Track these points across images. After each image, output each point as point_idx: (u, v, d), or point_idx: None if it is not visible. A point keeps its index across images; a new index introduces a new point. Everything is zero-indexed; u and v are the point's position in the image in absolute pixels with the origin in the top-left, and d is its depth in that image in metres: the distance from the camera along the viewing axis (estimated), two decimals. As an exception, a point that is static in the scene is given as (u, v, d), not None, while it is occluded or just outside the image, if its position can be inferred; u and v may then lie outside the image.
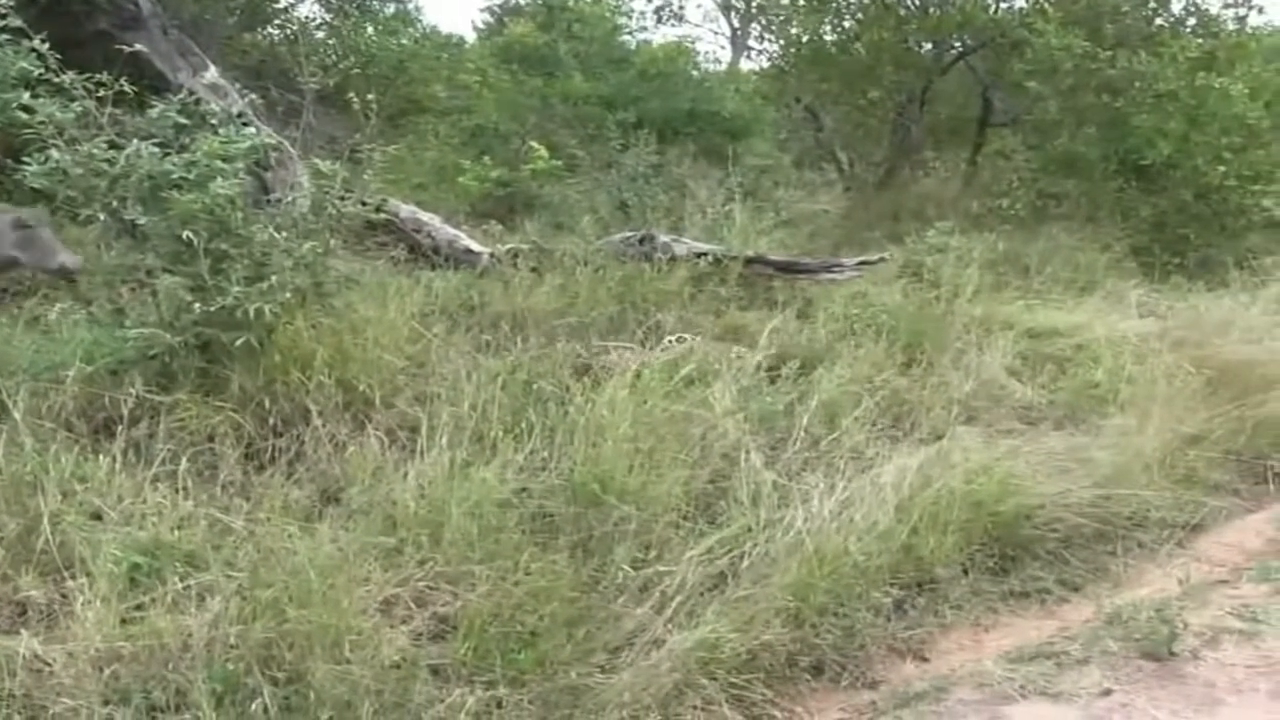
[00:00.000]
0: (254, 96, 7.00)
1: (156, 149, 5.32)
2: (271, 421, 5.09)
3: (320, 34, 13.01)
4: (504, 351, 6.19)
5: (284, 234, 5.52)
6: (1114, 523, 5.61)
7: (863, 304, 7.92)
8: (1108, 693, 4.09)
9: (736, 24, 22.73)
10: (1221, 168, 11.39)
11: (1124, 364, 7.31)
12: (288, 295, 5.27)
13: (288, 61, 8.89)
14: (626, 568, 4.47)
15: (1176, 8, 13.19)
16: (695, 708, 3.99)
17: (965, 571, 5.15)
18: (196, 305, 5.00)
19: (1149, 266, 10.54)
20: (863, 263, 8.56)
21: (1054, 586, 5.20)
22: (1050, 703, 4.06)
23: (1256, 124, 11.75)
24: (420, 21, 15.18)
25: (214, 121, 5.94)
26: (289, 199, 6.27)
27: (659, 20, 18.47)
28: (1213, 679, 4.19)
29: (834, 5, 14.56)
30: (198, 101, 6.16)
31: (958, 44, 14.05)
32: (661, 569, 4.47)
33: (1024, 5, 13.39)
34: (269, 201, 6.32)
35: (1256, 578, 5.18)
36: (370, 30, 13.11)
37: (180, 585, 3.92)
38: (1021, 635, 4.77)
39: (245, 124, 6.23)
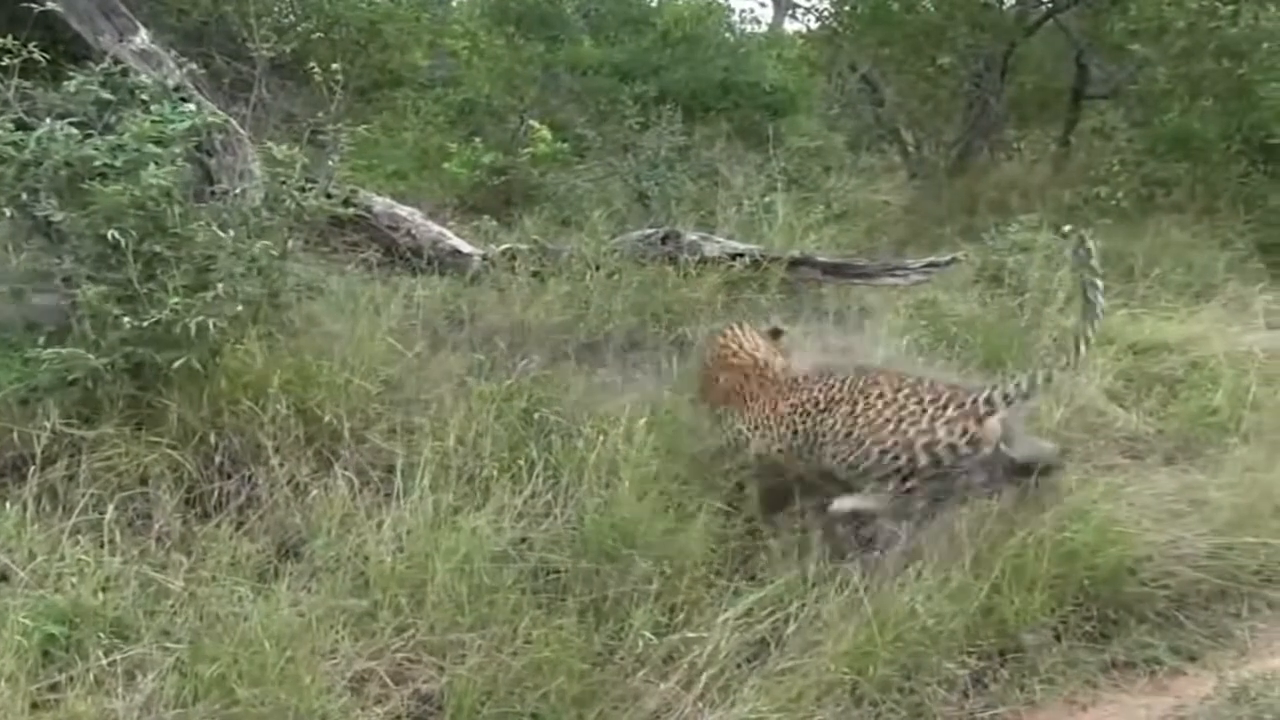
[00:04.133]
0: (194, 66, 6.98)
1: (75, 130, 5.30)
2: (218, 460, 5.11)
3: (274, -11, 13.04)
4: (499, 373, 6.18)
5: (231, 233, 5.52)
6: (1238, 578, 5.54)
7: (931, 314, 7.90)
8: (1234, 786, 4.06)
9: (779, -23, 22.78)
10: (1368, 147, 11.31)
11: (1249, 385, 7.26)
12: (237, 307, 5.27)
13: (235, 24, 8.90)
14: (648, 634, 4.46)
15: (1311, -48, 13.11)
16: (732, 804, 3.98)
17: (1057, 637, 5.10)
18: (125, 320, 4.96)
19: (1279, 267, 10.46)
20: (931, 265, 8.51)
21: (1166, 655, 5.13)
22: (1164, 799, 4.03)
23: None
24: (396, -25, 15.22)
25: (145, 96, 5.92)
26: (238, 190, 6.28)
27: (685, -28, 18.53)
28: (1363, 768, 4.15)
29: (897, -48, 14.55)
30: (125, 72, 6.15)
31: (1046, -1, 14.06)
32: (690, 636, 4.46)
33: (1126, -49, 13.33)
34: (213, 193, 6.32)
35: None
36: (335, -16, 13.12)
37: (105, 660, 3.93)
38: (1128, 714, 4.73)
39: (183, 99, 6.21)
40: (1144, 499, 5.87)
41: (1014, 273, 8.88)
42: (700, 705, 4.17)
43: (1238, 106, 11.90)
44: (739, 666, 4.37)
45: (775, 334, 5.93)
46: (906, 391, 5.07)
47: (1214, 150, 12.04)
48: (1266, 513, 5.82)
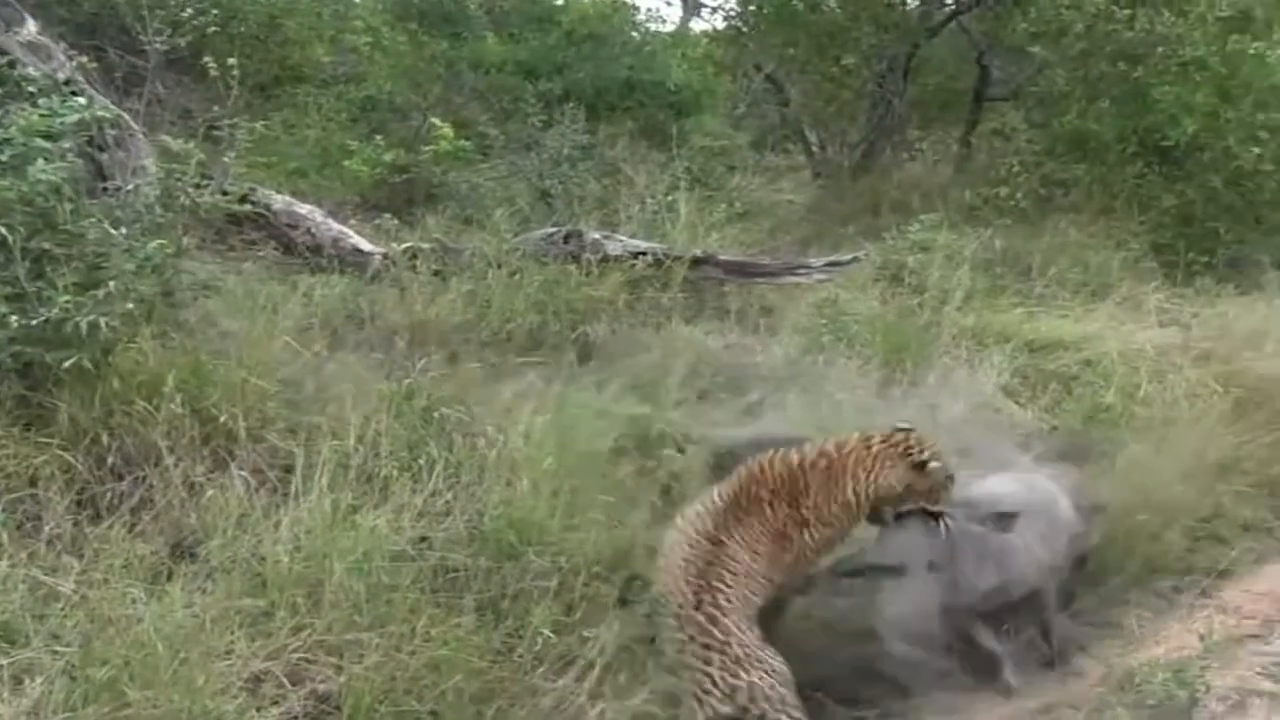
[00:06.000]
0: (84, 59, 6.91)
1: (-42, 124, 5.23)
2: (110, 461, 5.04)
3: (169, -20, 12.84)
4: (399, 373, 6.17)
5: (124, 230, 5.46)
6: (1126, 569, 5.68)
7: (832, 312, 7.98)
8: (1118, 770, 4.17)
9: (685, -24, 22.81)
10: (1256, 149, 11.50)
11: (1140, 382, 7.46)
12: (129, 306, 5.19)
13: (127, 16, 8.76)
14: (546, 632, 4.50)
15: (1205, -41, 13.36)
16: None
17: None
18: (14, 319, 4.88)
19: (1171, 266, 10.69)
20: (833, 263, 8.63)
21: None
22: (1052, 784, 4.13)
23: (1298, 97, 11.90)
24: (297, -31, 15.02)
25: (33, 89, 5.85)
26: (130, 186, 6.21)
27: (590, -30, 18.50)
28: (1239, 751, 4.28)
29: (803, -47, 14.62)
30: (12, 64, 6.09)
31: (949, 0, 14.20)
32: (586, 634, 4.50)
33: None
34: (105, 190, 6.25)
35: (1290, 631, 5.30)
36: (233, -23, 12.94)
37: (-9, 665, 3.87)
38: (1018, 703, 4.83)
39: (74, 93, 6.15)
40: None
41: (914, 272, 9.02)
42: (593, 699, 4.22)
43: (1133, 109, 12.11)
44: (633, 660, 4.42)
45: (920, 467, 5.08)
46: None
47: (1110, 151, 12.25)
48: (1154, 506, 5.99)
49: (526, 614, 4.60)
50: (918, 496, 5.07)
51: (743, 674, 4.34)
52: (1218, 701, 4.54)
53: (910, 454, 5.00)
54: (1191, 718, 4.42)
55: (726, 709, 4.27)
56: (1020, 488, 5.50)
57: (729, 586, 4.56)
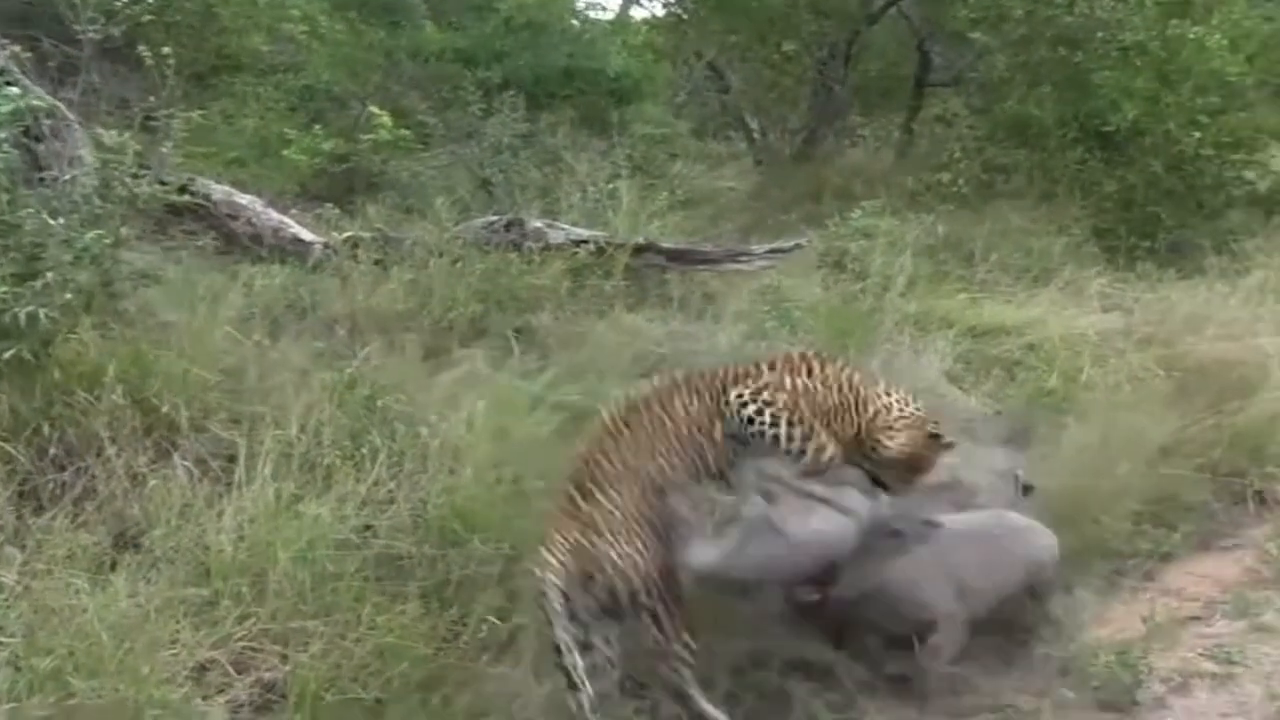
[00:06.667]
0: (18, 48, 6.88)
1: (-110, 116, 5.22)
2: (52, 452, 5.04)
3: (103, -31, 12.73)
4: (340, 362, 6.20)
5: (61, 220, 5.46)
6: (1068, 553, 5.77)
7: (775, 299, 8.05)
8: (1061, 750, 4.27)
9: (625, -36, 22.82)
10: (1196, 134, 11.67)
11: (1082, 366, 7.58)
12: (68, 296, 5.21)
13: (61, 4, 8.70)
14: (491, 618, 4.55)
15: (1144, -57, 13.50)
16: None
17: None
18: (-50, 311, 4.90)
19: (1113, 251, 10.86)
20: (775, 250, 8.68)
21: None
22: (996, 765, 4.22)
23: (1237, 81, 12.00)
24: (233, -43, 14.91)
25: (-35, 80, 5.85)
26: (67, 177, 6.20)
27: (530, -42, 18.47)
28: (1181, 731, 4.40)
29: (742, -60, 14.67)
30: (-56, 56, 6.08)
31: (889, -14, 14.30)
32: (529, 619, 4.56)
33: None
34: (42, 180, 6.23)
35: (1232, 613, 5.42)
36: (167, -34, 12.84)
37: (-67, 657, 3.89)
38: (961, 695, 4.92)
39: (8, 83, 6.12)
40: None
41: (857, 258, 9.11)
42: (538, 684, 4.28)
43: (1074, 94, 12.26)
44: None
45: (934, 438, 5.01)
46: None
47: (1051, 137, 12.38)
48: (1096, 489, 6.09)
49: (471, 601, 4.64)
50: (905, 469, 4.91)
51: (596, 539, 4.32)
52: (1160, 683, 4.65)
53: (928, 426, 4.93)
54: (1135, 699, 4.53)
55: (574, 566, 4.27)
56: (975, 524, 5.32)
57: (611, 462, 4.52)
